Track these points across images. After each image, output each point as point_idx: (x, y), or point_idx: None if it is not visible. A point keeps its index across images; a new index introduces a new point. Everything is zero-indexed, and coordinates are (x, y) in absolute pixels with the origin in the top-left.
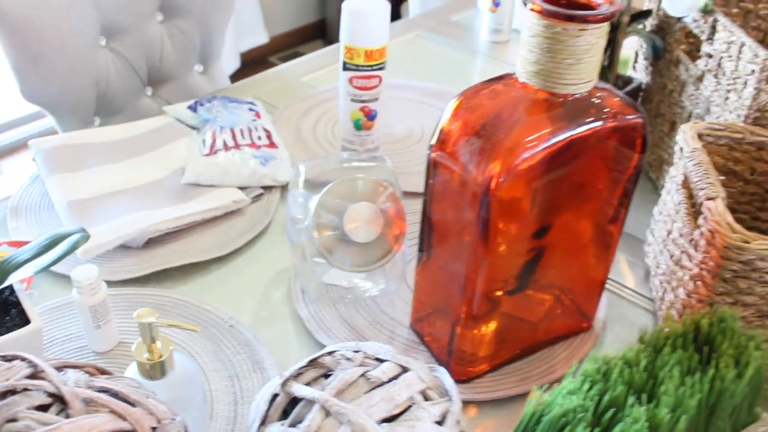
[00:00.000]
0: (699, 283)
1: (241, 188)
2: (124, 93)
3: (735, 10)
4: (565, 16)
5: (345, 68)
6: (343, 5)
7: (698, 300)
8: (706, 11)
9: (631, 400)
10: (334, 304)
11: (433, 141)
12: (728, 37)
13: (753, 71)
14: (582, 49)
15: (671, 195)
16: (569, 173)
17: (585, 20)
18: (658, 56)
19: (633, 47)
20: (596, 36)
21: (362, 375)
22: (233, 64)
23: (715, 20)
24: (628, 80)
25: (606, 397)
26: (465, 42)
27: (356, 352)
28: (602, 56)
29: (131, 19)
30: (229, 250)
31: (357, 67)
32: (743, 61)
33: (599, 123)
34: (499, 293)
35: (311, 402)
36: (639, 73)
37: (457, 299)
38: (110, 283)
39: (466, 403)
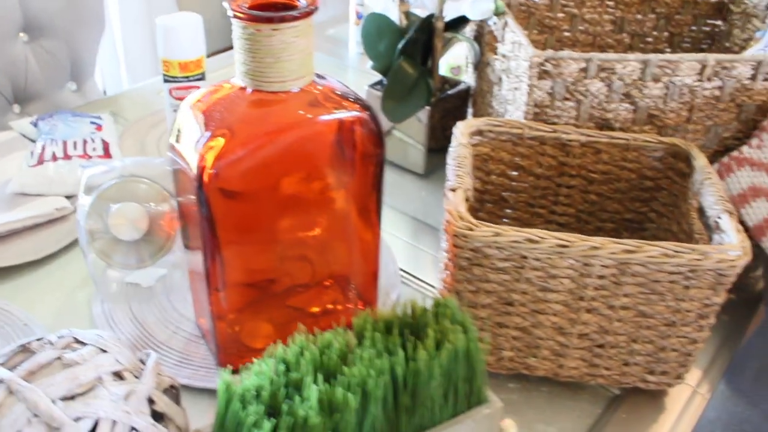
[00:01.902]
0: (447, 272)
1: (70, 197)
2: None
3: (560, 15)
4: (255, 18)
5: (165, 80)
6: (157, 20)
7: (448, 289)
8: (498, 14)
9: (309, 380)
10: (128, 303)
11: (171, 139)
12: (513, 37)
13: (527, 69)
14: (278, 48)
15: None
16: (297, 168)
17: (274, 21)
18: (478, 61)
19: (464, 53)
20: (291, 35)
21: (58, 358)
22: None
23: (506, 23)
24: (456, 84)
25: (286, 379)
26: (336, 55)
27: (60, 337)
28: (308, 54)
29: None
30: (42, 255)
31: (174, 79)
32: (521, 60)
33: (318, 117)
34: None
35: (1, 382)
36: (469, 77)
37: (206, 294)
38: None
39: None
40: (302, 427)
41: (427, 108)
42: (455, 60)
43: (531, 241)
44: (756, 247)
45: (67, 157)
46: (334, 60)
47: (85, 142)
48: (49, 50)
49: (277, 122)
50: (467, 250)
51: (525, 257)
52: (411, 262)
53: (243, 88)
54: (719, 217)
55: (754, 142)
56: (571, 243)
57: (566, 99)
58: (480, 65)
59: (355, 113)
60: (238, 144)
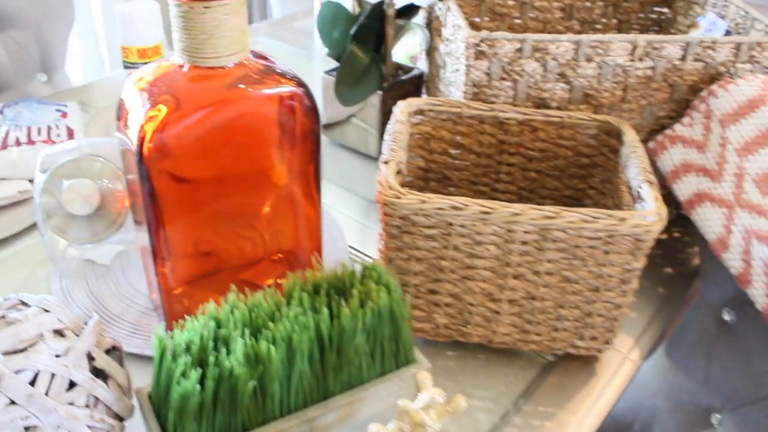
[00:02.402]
0: (382, 241)
1: (32, 181)
2: None
3: (511, 2)
4: None
5: (125, 67)
6: (115, 8)
7: (382, 257)
8: None
9: (237, 335)
10: (86, 279)
11: (117, 119)
12: (453, 20)
13: (464, 50)
14: (211, 25)
15: None
16: (238, 142)
17: None
18: (428, 47)
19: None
20: (223, 13)
21: (2, 317)
22: None
23: (449, 7)
24: (409, 70)
25: (216, 334)
26: (303, 46)
27: (6, 300)
28: (242, 31)
29: None
30: (5, 235)
31: (134, 65)
32: (459, 42)
33: (256, 91)
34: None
35: None
36: (422, 63)
37: (154, 269)
38: None
39: None
40: (228, 378)
41: (380, 93)
42: (413, 49)
43: (455, 208)
44: (691, 224)
45: (31, 142)
46: (300, 51)
47: (49, 128)
48: (18, 41)
49: (216, 95)
50: (396, 218)
51: (451, 224)
52: (361, 240)
53: (181, 66)
54: (640, 187)
55: (686, 120)
56: (493, 209)
57: (503, 79)
58: (430, 51)
59: (291, 89)
60: (177, 115)
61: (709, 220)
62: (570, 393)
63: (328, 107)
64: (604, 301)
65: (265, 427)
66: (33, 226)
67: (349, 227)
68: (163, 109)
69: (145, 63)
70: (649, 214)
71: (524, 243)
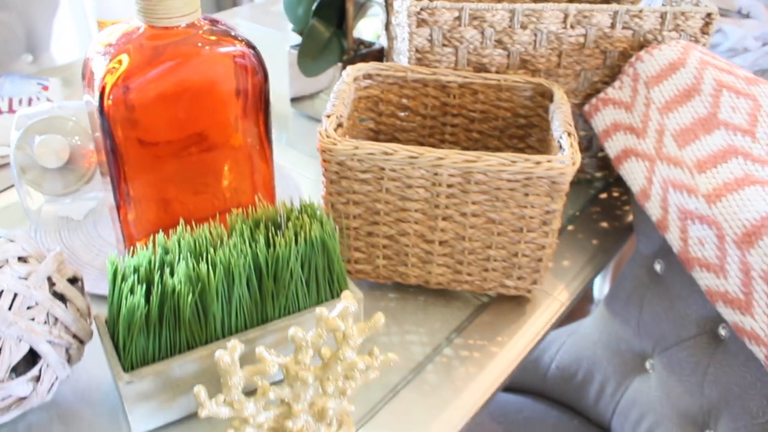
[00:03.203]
0: (324, 188)
1: None
2: None
3: None
4: None
5: None
6: None
7: (324, 202)
8: None
9: (182, 259)
10: (59, 231)
11: (84, 80)
12: None
13: (407, 18)
14: None
15: None
16: (188, 94)
17: None
18: (387, 21)
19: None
20: None
21: None
22: None
23: None
24: (370, 45)
25: (162, 260)
26: (279, 28)
27: None
28: None
29: None
30: None
31: None
32: (404, 11)
33: (210, 49)
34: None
35: None
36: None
37: (118, 220)
38: None
39: None
40: (171, 295)
41: (341, 66)
42: (379, 29)
43: (385, 153)
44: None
45: (11, 111)
46: (276, 32)
47: (30, 99)
48: (4, 22)
49: (171, 51)
50: (334, 164)
51: (383, 168)
52: (315, 196)
53: (138, 27)
54: (561, 137)
55: (617, 84)
56: (419, 154)
57: (444, 45)
58: (387, 25)
59: (242, 49)
60: (134, 69)
61: (634, 173)
62: (499, 329)
63: (294, 81)
64: (528, 242)
65: (207, 345)
66: (10, 188)
67: (305, 185)
68: (123, 63)
69: None
70: (561, 159)
71: (450, 186)
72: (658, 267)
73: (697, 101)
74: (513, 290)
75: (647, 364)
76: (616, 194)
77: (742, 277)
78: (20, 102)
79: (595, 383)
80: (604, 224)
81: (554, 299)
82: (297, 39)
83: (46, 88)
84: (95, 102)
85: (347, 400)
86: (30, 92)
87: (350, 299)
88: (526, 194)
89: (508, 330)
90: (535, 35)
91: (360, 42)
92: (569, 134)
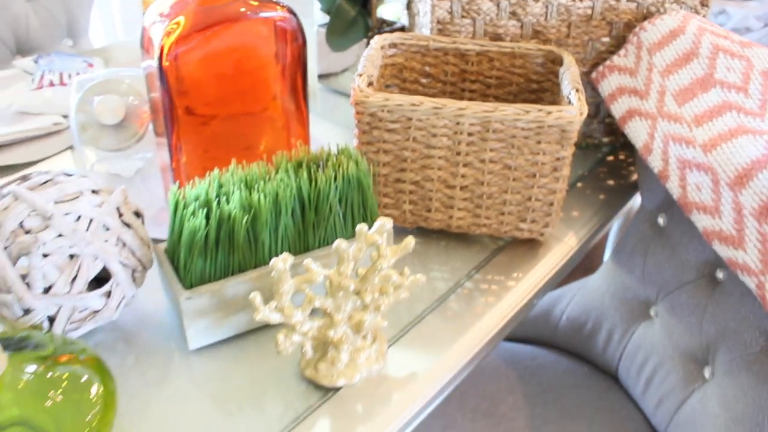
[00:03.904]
0: (356, 139)
1: (65, 116)
2: None
3: None
4: None
5: None
6: None
7: (358, 149)
8: None
9: (235, 190)
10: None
11: (141, 47)
12: None
13: None
14: None
15: None
16: (234, 56)
17: None
18: (409, 1)
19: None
20: None
21: (51, 179)
22: None
23: None
24: (392, 23)
25: (218, 191)
26: (301, 13)
27: (53, 173)
28: None
29: None
30: (41, 157)
31: None
32: None
33: (251, 14)
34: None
35: (9, 193)
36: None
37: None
38: None
39: None
40: (227, 220)
41: (365, 43)
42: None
43: (413, 104)
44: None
45: (62, 84)
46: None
47: (78, 74)
48: (47, 8)
49: (220, 15)
50: (366, 115)
51: (410, 119)
52: None
53: None
54: (570, 94)
55: (622, 52)
56: (443, 105)
57: (463, 17)
58: (409, 4)
59: (283, 14)
60: (190, 30)
61: (637, 131)
62: (515, 267)
63: (322, 59)
64: (540, 187)
65: (257, 269)
66: (64, 152)
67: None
68: (180, 25)
69: None
70: (570, 109)
71: (470, 134)
72: (660, 220)
73: (695, 64)
74: (527, 233)
75: (651, 311)
76: (622, 157)
77: (734, 216)
78: (69, 76)
79: (603, 332)
80: (611, 182)
81: (564, 244)
82: (322, 20)
83: (91, 65)
84: (155, 63)
85: (381, 316)
86: (78, 68)
87: (386, 220)
88: (539, 142)
89: (523, 268)
90: (547, 7)
91: (383, 21)
92: (577, 90)
